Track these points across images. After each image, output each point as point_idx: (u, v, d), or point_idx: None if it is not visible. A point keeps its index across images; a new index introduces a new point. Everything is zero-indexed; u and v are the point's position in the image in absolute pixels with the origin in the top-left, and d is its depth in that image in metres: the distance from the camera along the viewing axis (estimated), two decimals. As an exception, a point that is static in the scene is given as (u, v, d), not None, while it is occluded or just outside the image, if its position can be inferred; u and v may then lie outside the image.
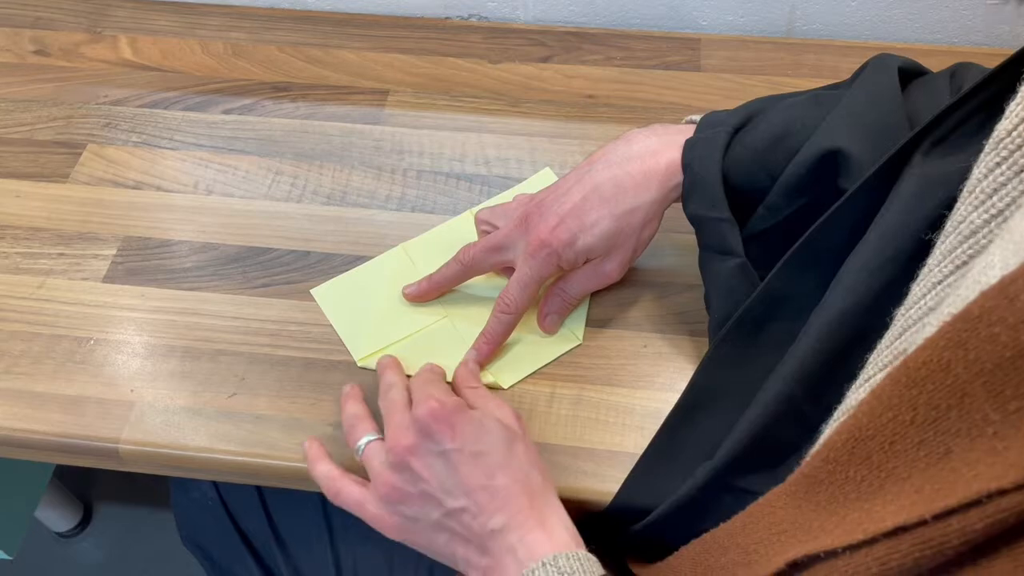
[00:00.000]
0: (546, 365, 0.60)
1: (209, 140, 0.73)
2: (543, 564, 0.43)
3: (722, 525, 0.42)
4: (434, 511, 0.46)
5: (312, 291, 0.63)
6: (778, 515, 0.37)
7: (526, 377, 0.59)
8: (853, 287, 0.43)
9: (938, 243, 0.37)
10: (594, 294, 0.63)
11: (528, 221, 0.56)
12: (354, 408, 0.54)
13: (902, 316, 0.37)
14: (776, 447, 0.45)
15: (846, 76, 0.76)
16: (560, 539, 0.45)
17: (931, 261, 0.37)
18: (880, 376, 0.37)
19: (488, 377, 0.59)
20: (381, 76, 0.78)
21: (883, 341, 0.38)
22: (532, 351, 0.60)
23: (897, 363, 0.30)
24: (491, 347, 0.58)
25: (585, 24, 0.84)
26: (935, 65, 0.77)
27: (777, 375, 0.46)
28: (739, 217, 0.54)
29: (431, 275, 0.61)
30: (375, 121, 0.75)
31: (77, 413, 0.57)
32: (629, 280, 0.63)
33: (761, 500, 0.39)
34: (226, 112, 0.75)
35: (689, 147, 0.54)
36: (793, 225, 0.51)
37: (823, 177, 0.50)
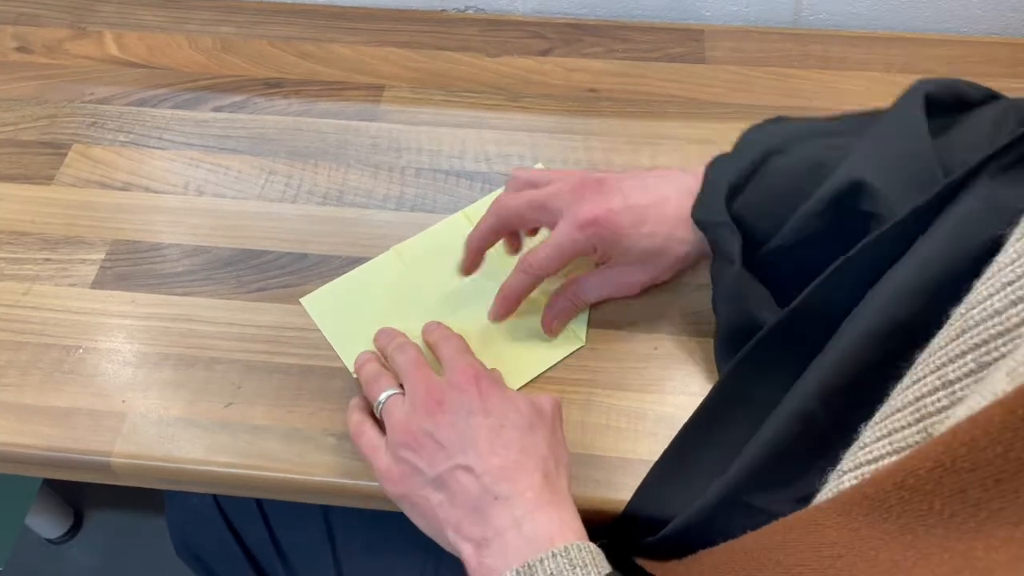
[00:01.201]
0: (549, 369, 0.58)
1: (199, 139, 0.71)
2: (553, 554, 0.41)
3: (751, 535, 0.40)
4: (440, 464, 0.45)
5: (302, 300, 0.61)
6: (827, 535, 0.34)
7: (529, 382, 0.57)
8: (884, 309, 0.41)
9: (997, 275, 0.34)
10: (602, 295, 0.61)
11: (583, 190, 0.54)
12: (374, 367, 0.53)
13: (960, 340, 0.35)
14: (791, 465, 0.43)
15: (854, 67, 0.75)
16: (571, 525, 0.43)
17: (986, 290, 0.34)
18: (935, 395, 0.34)
19: None
20: (376, 71, 0.76)
21: (940, 357, 0.36)
22: (534, 355, 0.58)
23: (1011, 391, 0.27)
24: (507, 304, 0.57)
25: (585, 15, 0.81)
26: (943, 55, 0.76)
27: (796, 392, 0.44)
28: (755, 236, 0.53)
29: (468, 237, 0.58)
30: (371, 118, 0.72)
31: (67, 426, 0.55)
32: (637, 280, 0.61)
33: (802, 514, 0.36)
34: (216, 109, 0.73)
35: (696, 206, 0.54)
36: (811, 248, 0.50)
37: (847, 206, 0.49)
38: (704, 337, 0.59)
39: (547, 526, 0.42)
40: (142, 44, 0.78)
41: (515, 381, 0.57)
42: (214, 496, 0.67)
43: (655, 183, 0.55)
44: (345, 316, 0.60)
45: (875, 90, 0.73)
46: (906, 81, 0.73)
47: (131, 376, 0.57)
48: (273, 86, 0.75)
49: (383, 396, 0.50)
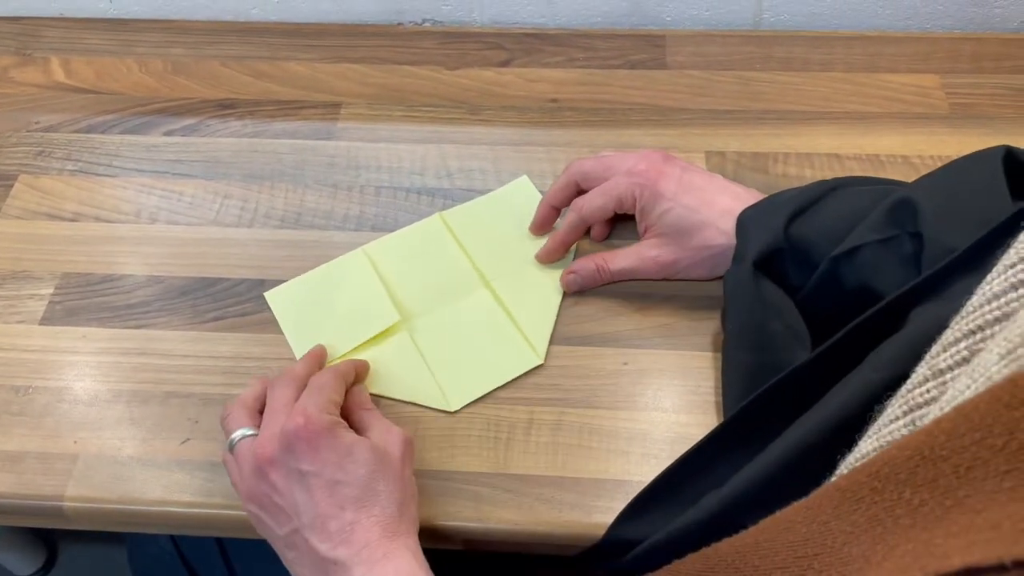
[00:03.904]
0: (503, 386, 0.56)
1: (151, 164, 0.69)
2: None
3: (727, 541, 0.38)
4: (286, 524, 0.46)
5: (265, 294, 0.60)
6: (799, 531, 0.32)
7: (486, 397, 0.55)
8: (898, 358, 0.39)
9: (1001, 259, 0.33)
10: (569, 309, 0.59)
11: (650, 155, 0.57)
12: (242, 399, 0.51)
13: (954, 327, 0.33)
14: (789, 492, 0.41)
15: (817, 68, 0.74)
16: (406, 568, 0.44)
17: (990, 276, 0.33)
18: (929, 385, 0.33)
19: (436, 399, 0.55)
20: (333, 88, 0.74)
21: (935, 347, 0.34)
22: (485, 370, 0.57)
23: (1000, 380, 0.26)
24: (556, 244, 0.60)
25: (544, 24, 0.80)
26: (906, 53, 0.75)
27: (804, 421, 0.42)
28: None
29: (544, 196, 0.62)
30: (328, 136, 0.70)
31: (16, 471, 0.53)
32: (606, 293, 0.60)
33: (777, 515, 0.34)
34: (168, 134, 0.71)
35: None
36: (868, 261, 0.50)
37: (898, 222, 0.49)
38: (674, 349, 0.57)
39: None
40: (90, 69, 0.76)
41: (461, 399, 0.56)
42: (174, 541, 0.64)
43: (721, 181, 0.57)
44: (306, 313, 0.59)
45: (838, 91, 0.72)
46: (869, 80, 0.73)
47: (83, 415, 0.55)
48: (226, 107, 0.73)
49: (234, 437, 0.49)
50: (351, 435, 0.47)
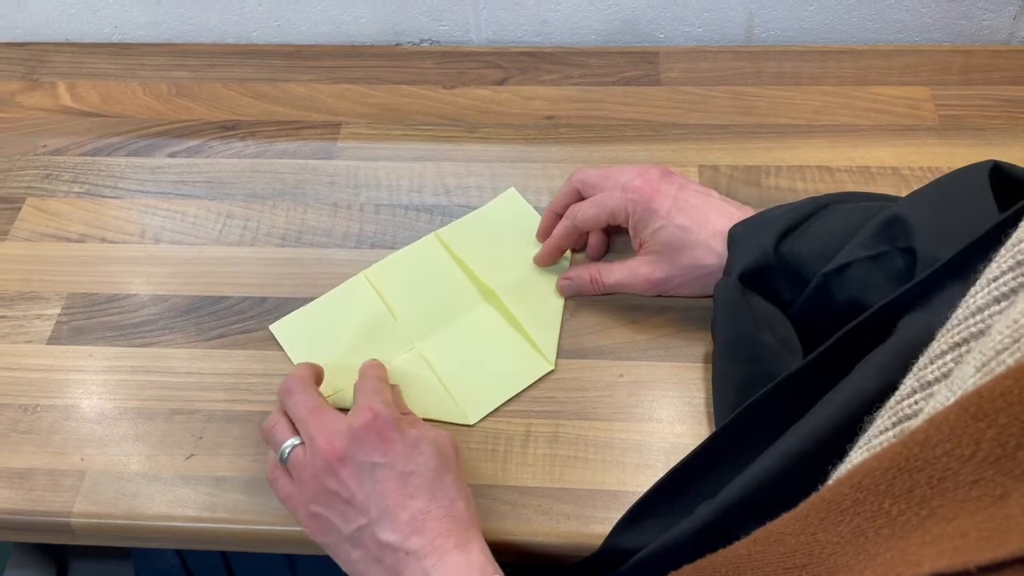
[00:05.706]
0: (517, 395, 0.57)
1: (155, 186, 0.70)
2: None
3: (720, 553, 0.39)
4: (354, 521, 0.46)
5: (271, 327, 0.61)
6: (788, 543, 0.33)
7: (495, 410, 0.56)
8: (887, 367, 0.40)
9: (984, 272, 0.33)
10: (565, 322, 0.60)
11: (648, 171, 0.58)
12: (272, 417, 0.52)
13: (940, 339, 0.34)
14: (781, 502, 0.42)
15: (808, 82, 0.75)
16: (477, 561, 0.45)
17: (974, 289, 0.34)
18: (912, 401, 0.34)
19: (454, 414, 0.56)
20: (332, 108, 0.75)
21: (922, 359, 0.35)
22: (499, 380, 0.58)
23: (969, 391, 0.27)
24: (551, 249, 0.62)
25: (540, 43, 0.81)
26: (896, 66, 0.76)
27: (796, 431, 0.43)
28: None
29: (549, 204, 0.64)
30: (328, 156, 0.72)
31: (24, 487, 0.54)
32: (601, 307, 0.61)
33: (768, 526, 0.35)
34: (171, 155, 0.72)
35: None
36: (859, 278, 0.51)
37: (888, 239, 0.50)
38: (668, 360, 0.58)
39: (456, 569, 0.44)
40: (95, 93, 0.77)
41: (479, 411, 0.57)
42: (180, 556, 0.65)
43: (716, 201, 0.58)
44: (314, 343, 0.60)
45: (829, 104, 0.73)
46: (860, 93, 0.74)
47: (89, 432, 0.56)
48: (228, 129, 0.74)
49: (285, 447, 0.49)
50: (415, 429, 0.48)
